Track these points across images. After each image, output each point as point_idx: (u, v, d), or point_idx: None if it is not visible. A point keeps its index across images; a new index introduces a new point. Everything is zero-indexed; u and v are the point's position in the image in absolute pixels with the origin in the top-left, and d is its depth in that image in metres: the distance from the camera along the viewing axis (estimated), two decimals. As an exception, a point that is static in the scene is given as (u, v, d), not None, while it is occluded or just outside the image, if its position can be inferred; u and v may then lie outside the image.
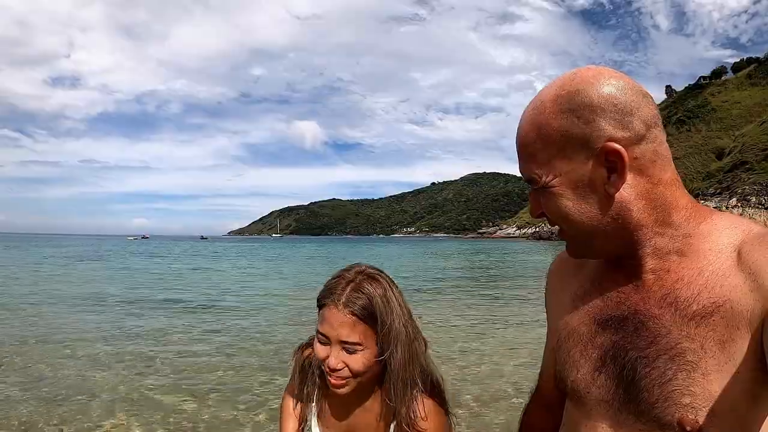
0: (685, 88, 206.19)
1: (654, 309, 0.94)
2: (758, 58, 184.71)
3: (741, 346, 0.85)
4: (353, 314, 1.33)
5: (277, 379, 6.69)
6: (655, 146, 0.91)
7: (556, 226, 1.01)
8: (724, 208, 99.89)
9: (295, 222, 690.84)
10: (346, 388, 1.37)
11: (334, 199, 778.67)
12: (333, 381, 1.36)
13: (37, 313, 12.33)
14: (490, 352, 8.40)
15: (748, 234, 0.91)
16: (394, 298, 1.39)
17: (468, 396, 6.01)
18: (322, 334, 1.36)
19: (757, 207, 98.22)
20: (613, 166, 0.89)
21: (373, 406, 1.47)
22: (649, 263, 0.96)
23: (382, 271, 1.45)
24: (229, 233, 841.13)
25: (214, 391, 6.25)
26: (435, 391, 1.45)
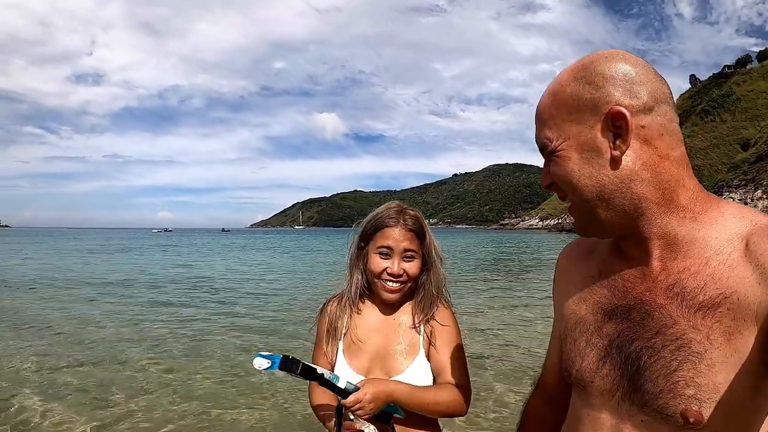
0: (710, 77, 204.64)
1: (660, 299, 0.93)
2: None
3: (747, 339, 0.84)
4: (410, 230, 1.73)
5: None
6: (664, 121, 0.92)
7: (565, 202, 1.01)
8: (749, 200, 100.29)
9: (318, 214, 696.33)
10: (399, 293, 1.74)
11: (356, 190, 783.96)
12: (391, 287, 1.73)
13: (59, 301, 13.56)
14: (510, 342, 8.52)
15: (756, 225, 0.90)
16: (425, 221, 1.81)
17: (485, 387, 6.07)
18: (386, 247, 1.72)
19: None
20: (618, 131, 0.91)
21: (403, 317, 1.78)
22: (656, 249, 0.96)
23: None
24: (251, 225, 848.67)
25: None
26: (447, 299, 1.84)
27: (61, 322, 10.43)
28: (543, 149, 1.00)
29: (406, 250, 1.72)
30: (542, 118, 0.99)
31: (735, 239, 0.90)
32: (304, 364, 1.50)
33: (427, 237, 1.76)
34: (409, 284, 1.74)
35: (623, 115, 0.90)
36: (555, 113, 0.97)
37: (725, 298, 0.86)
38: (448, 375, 1.70)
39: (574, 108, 0.95)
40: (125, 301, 13.45)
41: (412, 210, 1.79)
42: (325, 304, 1.89)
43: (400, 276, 1.71)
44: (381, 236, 1.73)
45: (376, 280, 1.74)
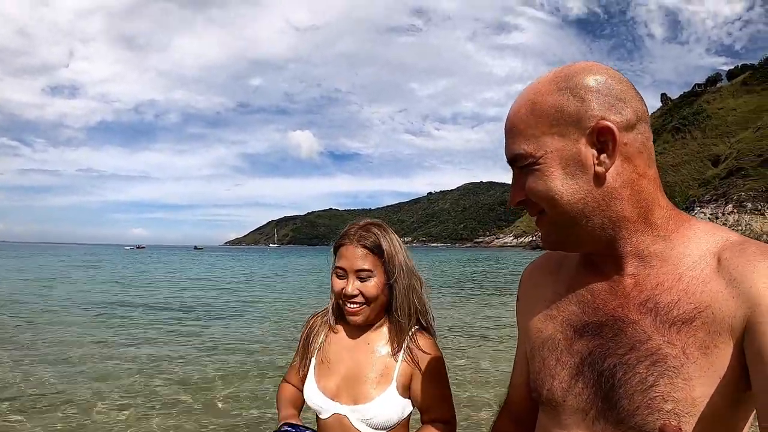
0: (681, 95, 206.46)
1: (633, 314, 0.92)
2: (753, 64, 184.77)
3: (723, 352, 0.84)
4: (364, 247, 1.62)
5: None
6: (644, 139, 0.92)
7: (535, 216, 0.98)
8: (720, 214, 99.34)
9: (293, 232, 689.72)
10: (361, 315, 1.64)
11: (331, 209, 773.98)
12: (350, 308, 1.63)
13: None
14: (479, 360, 8.41)
15: (727, 241, 0.91)
16: (395, 238, 1.69)
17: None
18: (340, 268, 1.64)
19: (754, 213, 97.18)
20: (603, 146, 0.90)
21: (378, 342, 1.69)
22: (629, 265, 0.95)
23: (384, 221, 1.76)
24: (226, 243, 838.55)
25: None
26: (430, 328, 1.73)
27: None
28: (515, 162, 0.96)
29: (358, 270, 1.62)
30: (518, 129, 0.95)
31: (707, 255, 0.90)
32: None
33: (385, 254, 1.65)
34: (370, 305, 1.65)
35: (611, 131, 0.89)
36: (534, 123, 0.93)
37: (699, 312, 0.86)
38: (433, 410, 1.64)
39: (555, 120, 0.91)
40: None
41: (376, 227, 1.69)
42: (311, 316, 1.86)
43: (355, 296, 1.63)
44: (338, 256, 1.68)
45: (339, 302, 1.68)
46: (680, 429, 0.81)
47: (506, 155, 0.97)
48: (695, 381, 0.85)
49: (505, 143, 0.97)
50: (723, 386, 0.84)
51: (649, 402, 0.87)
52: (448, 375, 1.68)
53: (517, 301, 1.24)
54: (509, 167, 0.97)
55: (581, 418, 0.96)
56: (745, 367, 0.83)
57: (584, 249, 0.99)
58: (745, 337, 0.82)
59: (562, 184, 0.91)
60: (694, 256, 0.91)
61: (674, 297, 0.89)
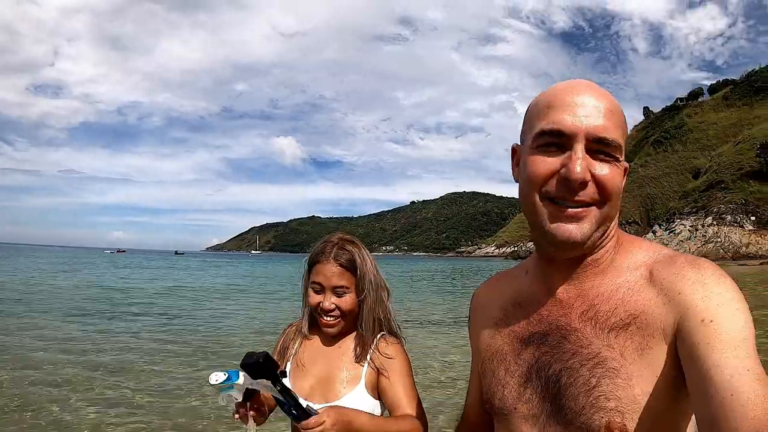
0: (663, 109, 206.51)
1: (575, 323, 1.00)
2: (734, 79, 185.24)
3: (658, 353, 0.92)
4: (341, 266, 1.75)
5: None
6: None
7: (584, 197, 0.97)
8: (700, 226, 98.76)
9: (274, 239, 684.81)
10: (337, 327, 1.79)
11: (313, 216, 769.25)
12: (327, 321, 1.77)
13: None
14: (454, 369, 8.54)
15: (659, 255, 1.02)
16: (366, 255, 1.83)
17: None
18: (317, 283, 1.77)
19: (732, 225, 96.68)
20: (625, 170, 1.02)
21: (348, 348, 1.82)
22: (582, 276, 1.03)
23: (355, 237, 1.88)
24: (207, 249, 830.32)
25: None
26: (395, 333, 1.87)
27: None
28: (601, 143, 0.96)
29: (335, 287, 1.75)
30: (617, 119, 0.98)
31: (641, 267, 1.00)
32: (269, 358, 1.35)
33: (359, 272, 1.77)
34: (346, 318, 1.79)
35: (627, 170, 1.04)
36: (623, 124, 1.00)
37: (634, 318, 0.95)
38: (402, 408, 1.72)
39: (625, 132, 1.00)
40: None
41: (350, 245, 1.82)
42: (288, 326, 1.99)
43: (332, 311, 1.76)
44: (314, 272, 1.79)
45: (315, 314, 1.81)
46: (624, 425, 0.90)
47: (592, 129, 0.96)
48: (635, 380, 0.92)
49: (602, 121, 0.96)
50: (662, 384, 0.91)
51: (593, 401, 0.93)
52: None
53: (469, 321, 1.31)
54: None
55: (533, 423, 1.01)
56: (680, 367, 0.90)
57: (584, 248, 1.01)
58: (677, 341, 0.90)
59: (622, 187, 1.00)
60: (632, 268, 1.01)
61: (612, 306, 0.97)
